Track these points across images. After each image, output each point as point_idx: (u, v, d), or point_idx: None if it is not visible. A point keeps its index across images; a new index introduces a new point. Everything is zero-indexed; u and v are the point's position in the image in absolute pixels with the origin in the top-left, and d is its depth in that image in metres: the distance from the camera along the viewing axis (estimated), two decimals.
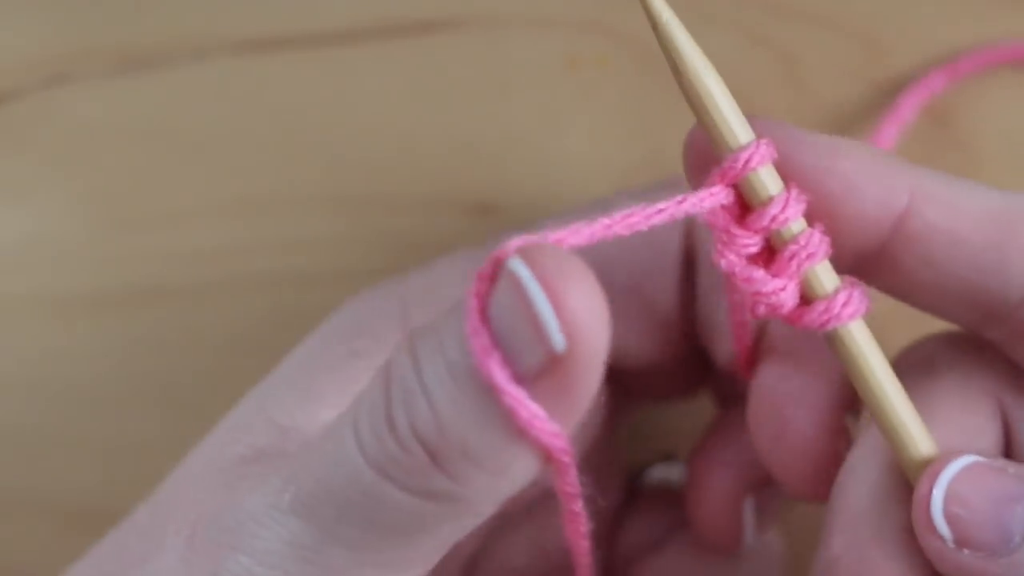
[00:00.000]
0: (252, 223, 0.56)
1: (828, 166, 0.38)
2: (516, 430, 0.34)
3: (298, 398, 0.41)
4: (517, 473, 0.35)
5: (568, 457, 0.35)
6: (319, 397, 0.41)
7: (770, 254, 0.39)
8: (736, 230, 0.39)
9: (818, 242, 0.39)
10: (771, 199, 0.39)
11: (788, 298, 0.39)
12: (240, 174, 0.57)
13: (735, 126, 0.38)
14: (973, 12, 0.57)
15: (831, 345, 0.40)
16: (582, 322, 0.33)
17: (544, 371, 0.33)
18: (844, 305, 0.39)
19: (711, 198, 0.39)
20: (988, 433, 0.40)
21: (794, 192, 0.39)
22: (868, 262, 0.40)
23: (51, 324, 0.57)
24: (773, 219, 0.39)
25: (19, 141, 0.57)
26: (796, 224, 0.39)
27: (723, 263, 0.39)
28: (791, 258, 0.39)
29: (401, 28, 0.57)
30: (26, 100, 0.57)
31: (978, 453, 0.39)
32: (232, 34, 0.57)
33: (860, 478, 0.39)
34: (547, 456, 0.35)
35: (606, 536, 0.48)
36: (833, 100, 0.56)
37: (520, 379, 0.33)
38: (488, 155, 0.56)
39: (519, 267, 0.33)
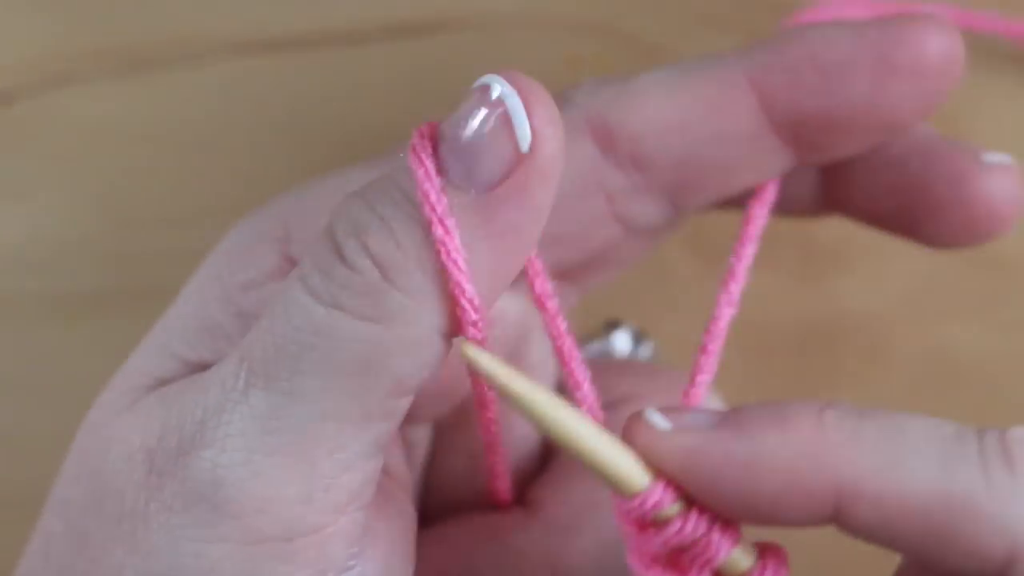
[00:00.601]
0: None
1: (748, 491, 0.37)
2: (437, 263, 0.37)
3: (199, 334, 0.41)
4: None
5: (465, 297, 0.37)
6: (221, 332, 0.41)
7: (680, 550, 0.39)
8: (636, 541, 0.39)
9: (715, 548, 0.38)
10: (667, 523, 0.38)
11: None
12: (240, 174, 0.57)
13: (627, 476, 0.38)
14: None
15: None
16: (546, 127, 0.37)
17: (509, 173, 0.37)
18: None
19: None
20: None
21: (692, 516, 0.38)
22: None
23: (51, 324, 0.57)
24: (666, 542, 0.38)
25: (19, 141, 0.57)
26: (695, 532, 0.38)
27: (631, 564, 0.39)
28: (692, 561, 0.38)
29: (401, 28, 0.57)
30: (26, 100, 0.57)
31: None
32: (232, 34, 0.57)
33: None
34: (450, 296, 0.37)
35: None
36: None
37: (478, 188, 0.37)
38: None
39: (498, 81, 0.38)
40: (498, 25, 0.57)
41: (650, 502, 0.38)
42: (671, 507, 0.38)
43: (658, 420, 0.38)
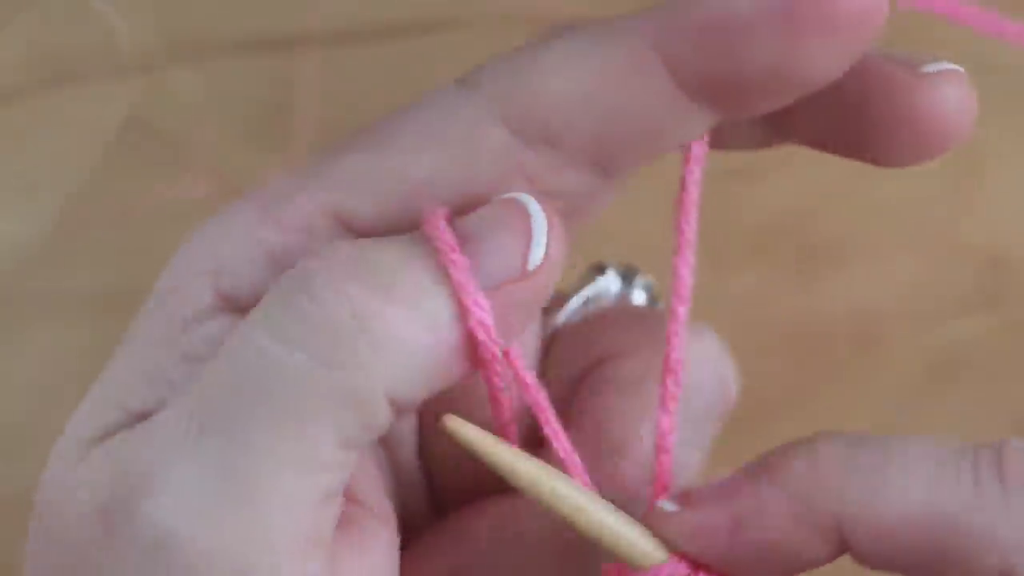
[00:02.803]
0: None
1: (760, 547, 0.38)
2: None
3: (142, 381, 0.40)
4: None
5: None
6: (163, 377, 0.40)
7: None
8: None
9: None
10: None
11: None
12: (240, 174, 0.57)
13: (640, 549, 0.39)
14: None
15: None
16: (555, 250, 0.38)
17: (511, 281, 0.38)
18: None
19: None
20: None
21: None
22: None
23: (51, 324, 0.57)
24: None
25: (19, 141, 0.57)
26: None
27: None
28: None
29: (401, 28, 0.57)
30: (26, 100, 0.57)
31: None
32: (232, 34, 0.57)
33: None
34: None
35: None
36: None
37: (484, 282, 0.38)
38: None
39: (529, 201, 0.39)
40: (497, 25, 0.57)
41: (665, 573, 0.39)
42: None
43: (667, 505, 0.39)
